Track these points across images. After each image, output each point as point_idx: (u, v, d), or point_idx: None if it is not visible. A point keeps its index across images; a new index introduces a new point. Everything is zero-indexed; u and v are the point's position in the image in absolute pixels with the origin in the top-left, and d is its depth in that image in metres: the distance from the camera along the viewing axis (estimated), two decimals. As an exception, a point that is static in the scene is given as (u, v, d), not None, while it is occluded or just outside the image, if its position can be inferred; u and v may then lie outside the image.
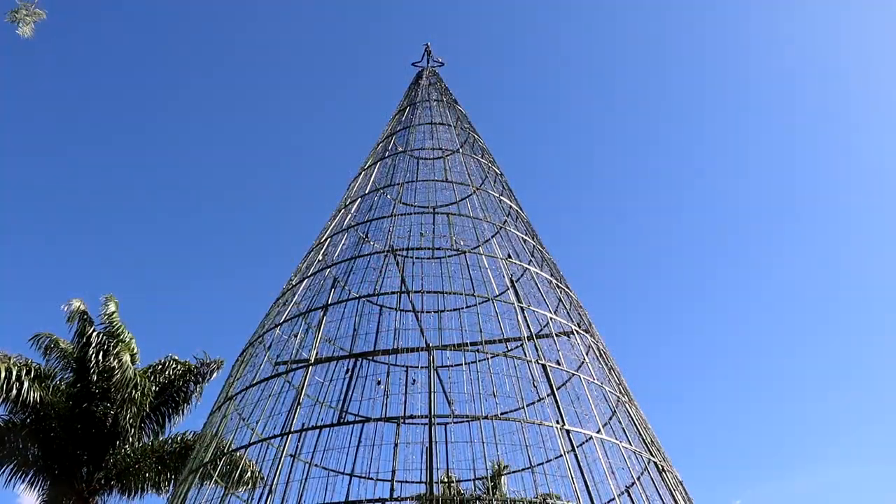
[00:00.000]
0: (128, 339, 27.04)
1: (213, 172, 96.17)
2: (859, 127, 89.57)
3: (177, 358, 29.18)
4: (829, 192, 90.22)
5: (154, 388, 27.28)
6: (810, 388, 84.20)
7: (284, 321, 19.91)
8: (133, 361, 26.98)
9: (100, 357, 26.27)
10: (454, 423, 19.22)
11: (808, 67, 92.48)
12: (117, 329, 26.87)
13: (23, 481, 26.81)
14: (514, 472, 20.45)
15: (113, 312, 27.23)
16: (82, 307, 26.63)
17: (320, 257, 21.65)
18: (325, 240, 22.35)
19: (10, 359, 25.93)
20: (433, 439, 16.74)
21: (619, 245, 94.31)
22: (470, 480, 22.69)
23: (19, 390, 25.23)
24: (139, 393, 26.15)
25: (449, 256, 21.19)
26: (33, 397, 25.45)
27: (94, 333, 26.45)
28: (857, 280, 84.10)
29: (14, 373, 25.20)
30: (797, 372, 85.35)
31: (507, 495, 21.12)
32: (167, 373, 28.69)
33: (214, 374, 28.83)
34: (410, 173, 24.21)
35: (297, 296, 20.51)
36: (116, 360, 26.11)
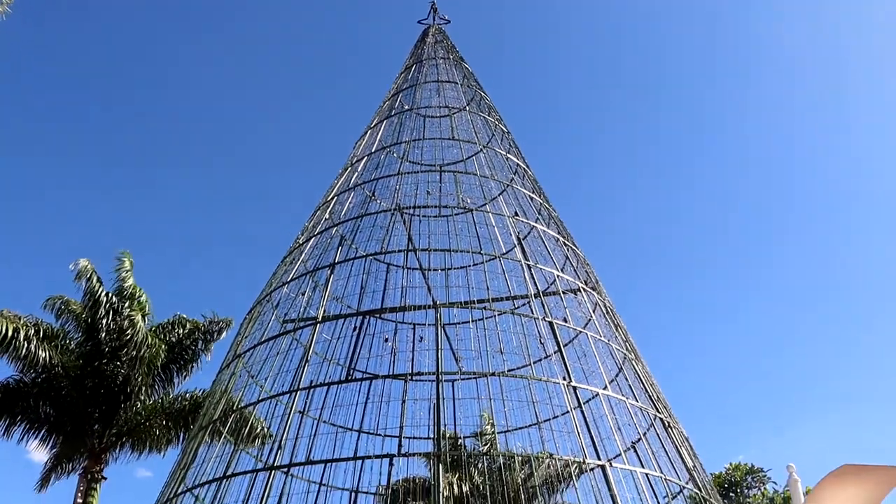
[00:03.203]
0: (142, 298, 27.11)
1: (219, 132, 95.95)
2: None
3: (186, 317, 29.32)
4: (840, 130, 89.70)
5: (164, 346, 27.42)
6: (811, 343, 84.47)
7: (292, 279, 19.94)
8: (146, 321, 27.10)
9: (110, 316, 26.36)
10: (461, 379, 19.35)
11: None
12: (131, 287, 26.96)
13: (35, 438, 27.13)
14: (520, 428, 20.58)
15: (127, 270, 27.30)
16: (90, 267, 26.67)
17: (327, 216, 21.62)
18: (332, 198, 22.31)
19: (20, 319, 26.08)
20: (440, 396, 16.81)
21: (628, 204, 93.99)
22: (477, 436, 22.91)
23: (28, 350, 25.40)
24: (150, 352, 26.29)
25: (456, 214, 21.11)
26: (43, 357, 25.63)
27: (104, 293, 26.53)
28: (863, 237, 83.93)
29: (23, 333, 25.36)
30: (799, 328, 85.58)
31: (514, 451, 21.29)
32: (176, 331, 28.82)
33: (223, 334, 28.97)
34: (417, 131, 24.09)
35: (304, 254, 20.52)
36: (129, 321, 26.21)
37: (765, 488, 30.79)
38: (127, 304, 26.55)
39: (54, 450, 27.51)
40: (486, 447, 24.68)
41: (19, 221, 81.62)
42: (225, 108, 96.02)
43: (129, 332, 25.96)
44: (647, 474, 17.04)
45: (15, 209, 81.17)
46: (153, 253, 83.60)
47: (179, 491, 17.37)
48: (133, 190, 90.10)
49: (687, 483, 17.83)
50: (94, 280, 26.51)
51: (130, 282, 27.15)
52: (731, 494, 30.36)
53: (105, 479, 26.66)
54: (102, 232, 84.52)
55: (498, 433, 22.40)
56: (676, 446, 18.46)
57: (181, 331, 28.87)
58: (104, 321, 26.25)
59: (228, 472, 16.92)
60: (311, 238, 20.92)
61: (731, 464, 31.59)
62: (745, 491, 30.86)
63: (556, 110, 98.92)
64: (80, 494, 25.72)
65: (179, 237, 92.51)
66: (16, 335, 25.11)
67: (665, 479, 17.42)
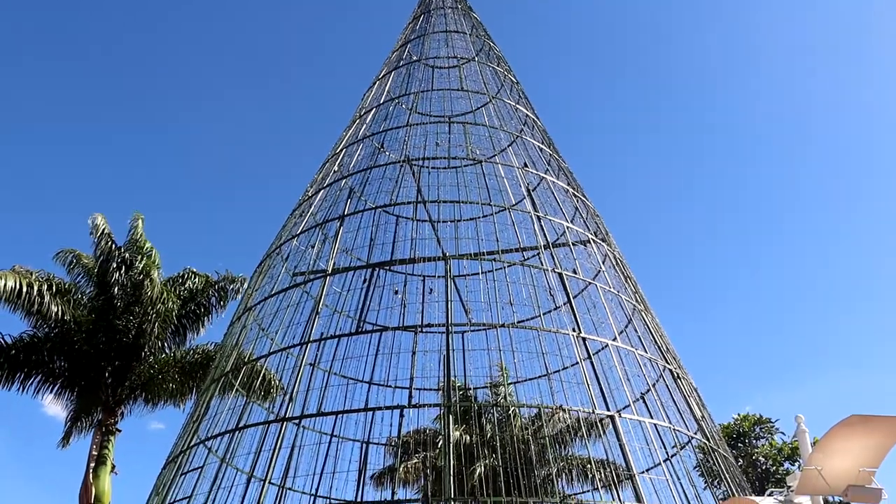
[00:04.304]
0: (153, 253, 27.16)
1: (227, 86, 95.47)
2: None
3: (195, 270, 29.40)
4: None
5: (177, 301, 27.53)
6: (821, 298, 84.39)
7: (301, 232, 19.95)
8: (159, 275, 27.21)
9: (122, 270, 26.46)
10: (471, 331, 19.38)
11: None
12: (143, 244, 27.02)
13: (50, 392, 27.37)
14: (530, 379, 20.68)
15: (139, 229, 27.37)
16: (104, 222, 26.74)
17: (336, 168, 21.56)
18: (341, 150, 22.23)
19: (31, 274, 26.16)
20: (450, 347, 16.87)
21: (639, 151, 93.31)
22: (486, 387, 23.02)
23: (41, 304, 25.51)
24: (164, 307, 26.40)
25: (465, 166, 21.03)
26: (55, 311, 25.75)
27: (116, 248, 26.60)
28: (879, 193, 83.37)
29: (35, 287, 25.44)
30: (808, 281, 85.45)
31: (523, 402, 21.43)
32: (187, 285, 28.91)
33: (238, 294, 29.02)
34: (425, 82, 23.91)
35: (313, 207, 20.50)
36: (144, 276, 26.29)
37: (773, 439, 30.94)
38: (139, 259, 26.58)
39: (71, 406, 27.75)
40: (496, 398, 24.81)
41: (26, 175, 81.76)
42: (230, 56, 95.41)
43: (145, 285, 26.04)
44: (655, 424, 17.14)
45: (21, 163, 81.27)
46: (161, 207, 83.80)
47: (193, 443, 17.56)
48: (141, 144, 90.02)
49: (695, 433, 17.94)
50: (108, 235, 26.57)
51: (143, 238, 27.18)
52: (739, 445, 30.54)
53: (120, 431, 26.95)
54: (111, 187, 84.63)
55: (508, 384, 22.54)
56: (685, 397, 18.54)
57: (192, 285, 28.95)
58: (116, 275, 26.33)
59: (240, 424, 17.09)
60: (320, 190, 20.89)
61: (739, 414, 31.74)
62: (753, 441, 31.04)
63: (562, 58, 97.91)
64: (95, 447, 26.02)
65: (188, 190, 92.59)
66: (28, 290, 25.20)
67: (674, 430, 17.53)
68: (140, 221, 27.49)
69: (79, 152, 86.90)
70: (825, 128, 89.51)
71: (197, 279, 29.14)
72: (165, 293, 26.67)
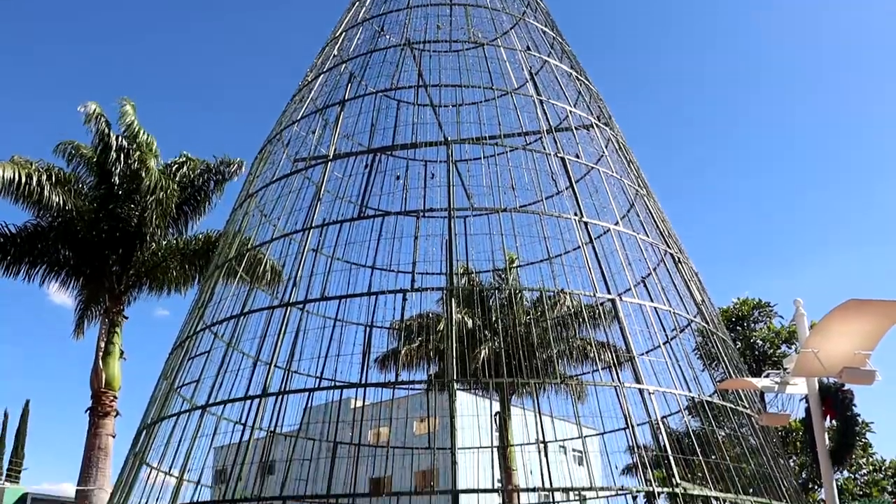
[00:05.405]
0: (149, 140, 26.88)
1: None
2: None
3: (189, 155, 29.20)
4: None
5: (176, 188, 27.47)
6: (821, 183, 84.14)
7: (302, 118, 19.74)
8: (156, 161, 27.03)
9: (121, 159, 26.29)
10: (473, 216, 19.40)
11: None
12: (136, 131, 26.69)
13: (56, 281, 27.68)
14: (532, 263, 20.83)
15: (131, 115, 26.95)
16: (98, 110, 26.34)
17: (336, 52, 21.16)
18: (341, 34, 21.77)
19: (31, 164, 26.02)
20: (453, 231, 16.91)
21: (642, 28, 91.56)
22: (489, 271, 23.20)
23: (42, 195, 25.50)
24: (164, 195, 26.35)
25: (467, 49, 20.63)
26: (57, 201, 25.75)
27: (113, 136, 26.34)
28: (882, 81, 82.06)
29: (35, 178, 25.36)
30: (801, 165, 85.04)
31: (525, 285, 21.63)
32: (185, 171, 28.77)
33: (236, 176, 28.93)
34: (425, -36, 23.15)
35: (313, 92, 20.22)
36: (142, 164, 26.13)
37: (771, 323, 31.28)
38: (136, 147, 26.35)
39: (79, 295, 28.07)
40: (500, 283, 25.00)
41: (24, 67, 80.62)
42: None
43: (142, 174, 25.91)
44: (656, 308, 17.35)
45: (18, 57, 80.00)
46: (157, 96, 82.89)
47: (199, 328, 17.83)
48: (136, 32, 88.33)
49: (695, 317, 18.17)
50: (103, 123, 26.24)
51: (136, 125, 26.80)
52: (737, 328, 30.91)
53: (127, 318, 27.35)
54: (108, 75, 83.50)
55: (510, 268, 22.69)
56: (685, 281, 18.70)
57: (190, 172, 28.79)
58: (116, 164, 26.19)
59: (245, 310, 17.30)
60: (320, 75, 20.55)
61: (738, 299, 32.00)
62: (752, 325, 31.39)
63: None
64: (103, 335, 26.46)
65: (184, 78, 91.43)
66: (28, 180, 25.13)
67: (673, 313, 17.75)
68: (129, 106, 27.01)
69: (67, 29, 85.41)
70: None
71: (193, 164, 28.96)
72: (164, 180, 26.55)
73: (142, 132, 26.70)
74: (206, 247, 27.23)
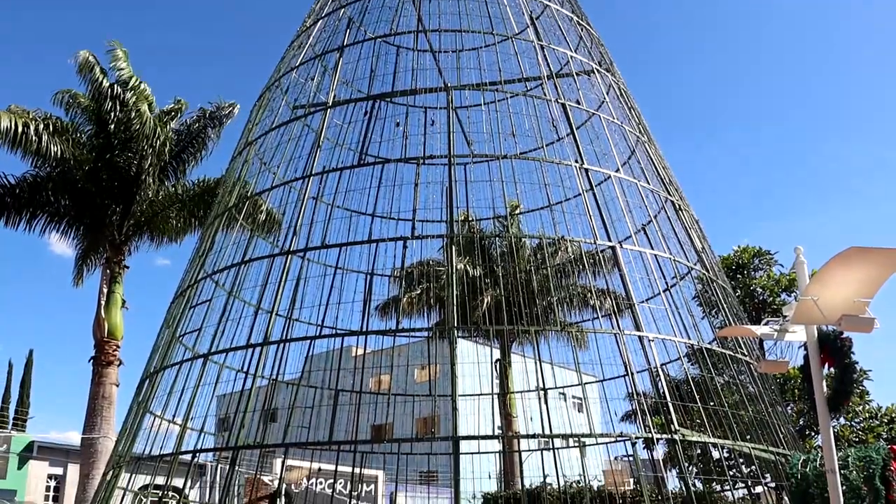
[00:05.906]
0: (142, 87, 26.59)
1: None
2: None
3: (183, 100, 29.00)
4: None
5: (172, 135, 27.27)
6: (821, 131, 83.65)
7: (301, 64, 19.52)
8: (151, 110, 26.76)
9: (116, 107, 26.06)
10: (473, 163, 19.31)
11: None
12: (129, 77, 26.40)
13: (56, 231, 27.64)
14: (532, 210, 20.78)
15: (123, 60, 26.63)
16: (91, 58, 26.05)
17: (333, -4, 20.84)
18: (339, -23, 21.42)
19: (28, 113, 25.82)
20: (453, 178, 16.83)
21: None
22: (489, 219, 23.15)
23: (40, 144, 25.33)
24: (160, 141, 26.17)
25: (467, -7, 20.30)
26: (55, 151, 25.59)
27: (107, 84, 26.06)
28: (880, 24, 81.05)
29: (32, 127, 25.17)
30: (805, 113, 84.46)
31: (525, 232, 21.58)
32: (179, 115, 28.60)
33: (230, 120, 28.74)
34: None
35: (311, 38, 19.95)
36: (135, 111, 25.89)
37: (771, 271, 31.30)
38: (131, 95, 26.07)
39: (78, 244, 28.06)
40: (501, 230, 24.93)
41: (23, 14, 79.66)
42: None
43: (136, 122, 25.69)
44: (656, 255, 17.35)
45: (16, 5, 78.96)
46: (153, 42, 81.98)
47: (200, 277, 17.85)
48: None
49: (695, 264, 18.16)
50: (98, 72, 25.93)
51: (129, 72, 26.49)
52: (737, 276, 30.92)
53: (128, 268, 27.36)
54: (107, 22, 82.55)
55: (511, 215, 22.63)
56: (686, 228, 18.66)
57: (186, 118, 28.65)
58: (111, 112, 25.97)
59: (246, 258, 17.30)
60: (318, 21, 20.26)
61: (738, 246, 31.96)
62: (752, 273, 31.42)
63: None
64: (104, 284, 26.51)
65: (179, 23, 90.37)
66: (26, 130, 24.94)
67: (674, 260, 17.76)
68: (119, 51, 26.67)
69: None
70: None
71: (193, 112, 28.78)
72: (159, 127, 26.35)
73: (133, 78, 26.42)
74: (205, 194, 27.11)
